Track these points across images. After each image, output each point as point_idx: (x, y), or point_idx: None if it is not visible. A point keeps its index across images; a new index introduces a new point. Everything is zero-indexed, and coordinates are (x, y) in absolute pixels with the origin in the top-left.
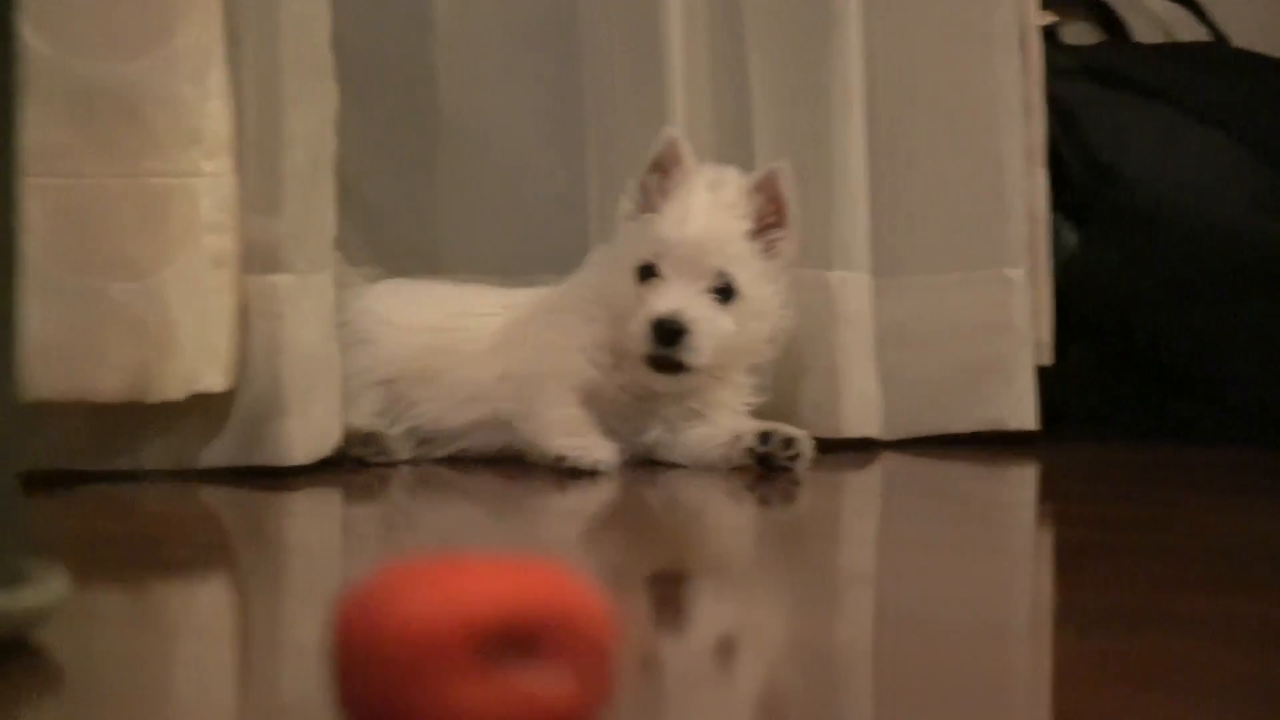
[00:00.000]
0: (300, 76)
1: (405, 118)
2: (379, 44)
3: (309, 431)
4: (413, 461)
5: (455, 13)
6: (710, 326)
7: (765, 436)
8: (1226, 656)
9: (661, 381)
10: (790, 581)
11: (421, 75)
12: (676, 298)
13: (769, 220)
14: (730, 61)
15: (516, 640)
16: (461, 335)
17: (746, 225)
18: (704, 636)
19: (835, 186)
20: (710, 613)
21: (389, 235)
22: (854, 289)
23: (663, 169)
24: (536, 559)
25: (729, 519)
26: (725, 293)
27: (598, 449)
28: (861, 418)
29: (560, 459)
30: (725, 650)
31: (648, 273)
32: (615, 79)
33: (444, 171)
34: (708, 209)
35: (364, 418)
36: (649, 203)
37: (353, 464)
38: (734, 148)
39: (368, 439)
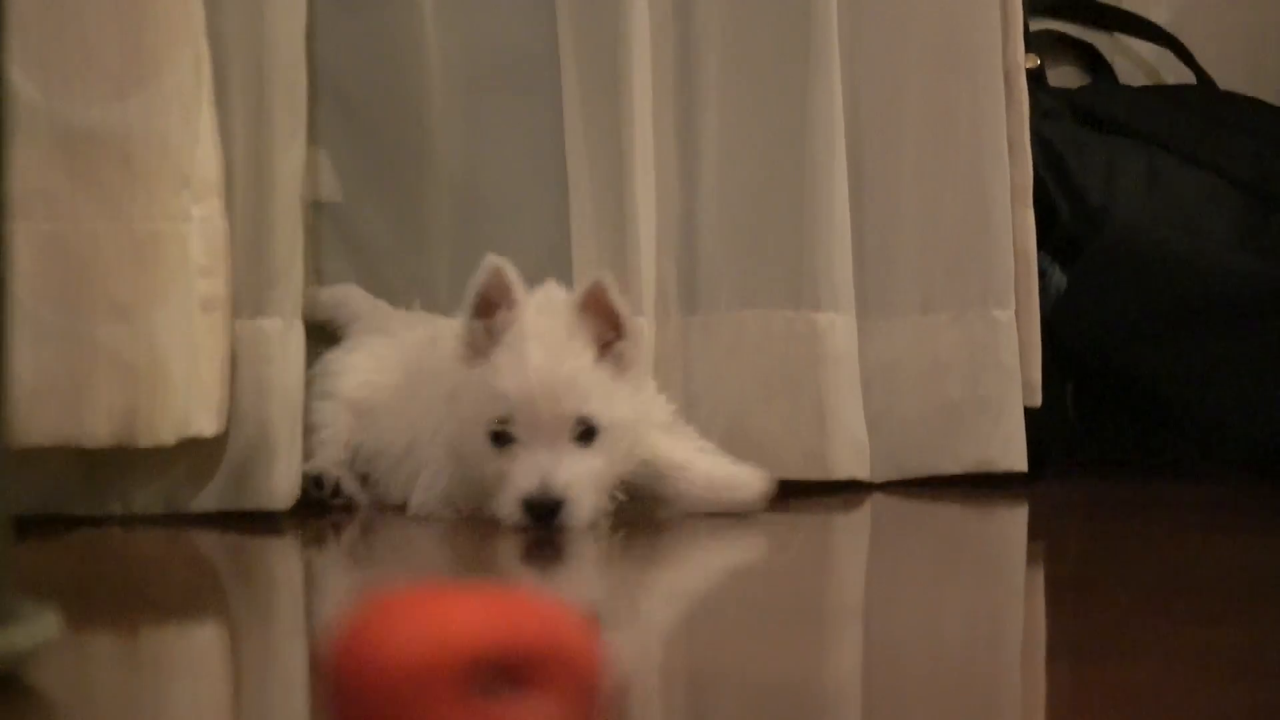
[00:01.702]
0: (287, 119)
1: (397, 159)
2: (370, 87)
3: (294, 475)
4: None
5: (448, 56)
6: (584, 486)
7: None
8: (1216, 687)
9: (544, 535)
10: (772, 621)
11: (412, 118)
12: (541, 468)
13: (608, 336)
14: (699, 106)
15: (505, 671)
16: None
17: (589, 352)
18: (694, 671)
19: (819, 228)
20: (700, 648)
21: (382, 274)
22: (840, 330)
23: (489, 308)
24: (525, 591)
25: (716, 558)
26: (587, 434)
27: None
28: (851, 460)
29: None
30: (715, 686)
31: (500, 438)
32: (584, 123)
33: (434, 212)
34: (545, 351)
35: (324, 462)
36: (479, 349)
37: (313, 508)
38: (707, 195)
39: (322, 482)
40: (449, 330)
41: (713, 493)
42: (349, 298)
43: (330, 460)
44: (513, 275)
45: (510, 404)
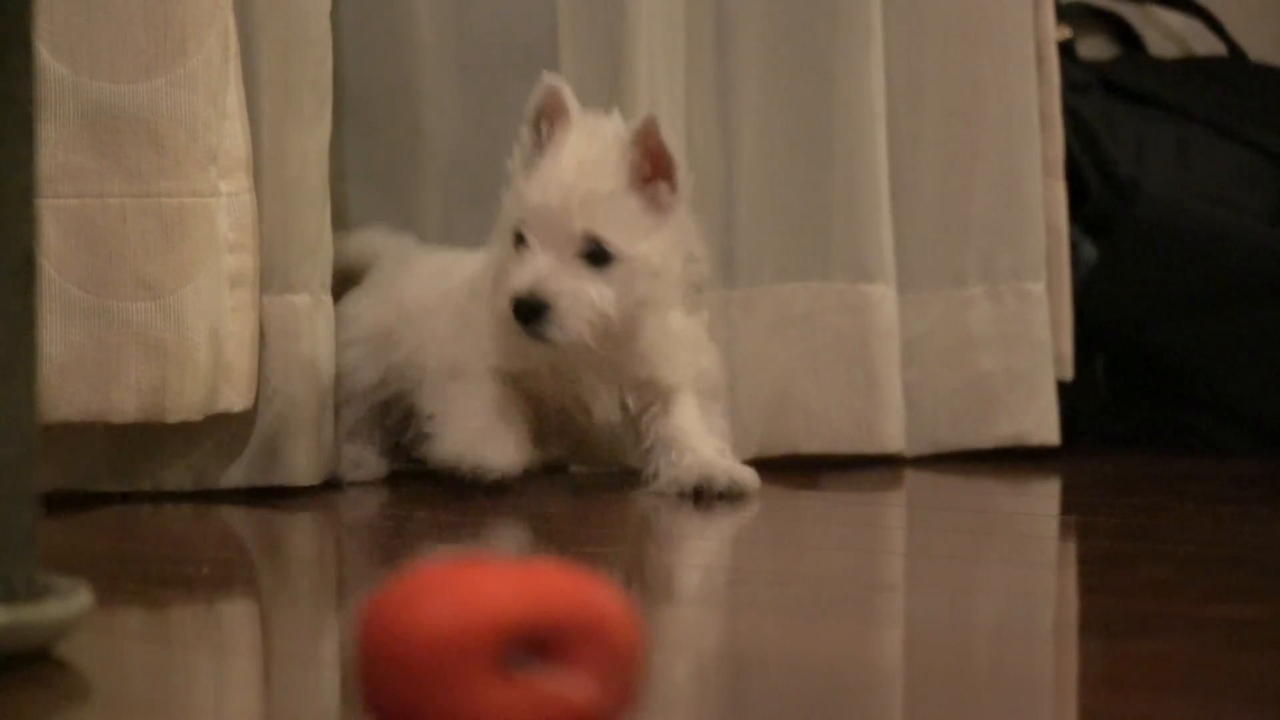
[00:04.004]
0: (312, 96)
1: (390, 141)
2: (365, 70)
3: (323, 451)
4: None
5: (442, 39)
6: (578, 298)
7: (698, 491)
8: (1248, 661)
9: (540, 351)
10: (810, 598)
11: (408, 101)
12: (536, 269)
13: (650, 173)
14: (737, 78)
15: (540, 645)
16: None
17: (620, 180)
18: (731, 648)
19: (864, 200)
20: (738, 625)
21: None
22: (890, 302)
23: (545, 121)
24: (557, 564)
25: (752, 534)
26: (599, 257)
27: (500, 456)
28: (890, 429)
29: (456, 469)
30: (752, 663)
31: (520, 240)
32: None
33: (427, 195)
34: (574, 167)
35: (340, 435)
36: (528, 161)
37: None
38: (747, 169)
39: (346, 456)
40: (471, 260)
41: (701, 473)
42: (373, 240)
43: (356, 423)
44: (568, 94)
45: (530, 209)
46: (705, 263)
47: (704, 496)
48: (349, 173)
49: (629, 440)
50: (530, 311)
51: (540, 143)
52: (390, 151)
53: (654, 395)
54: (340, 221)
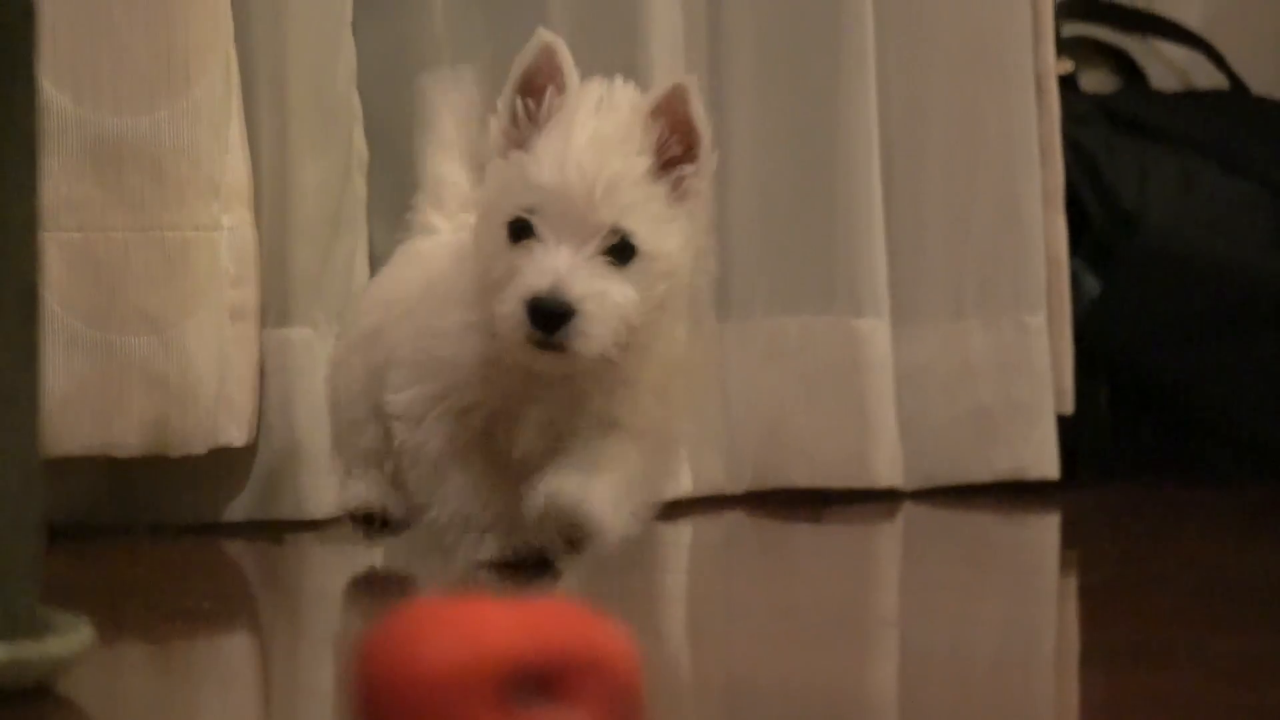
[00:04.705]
0: (312, 127)
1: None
2: (387, 103)
3: (324, 486)
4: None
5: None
6: (604, 303)
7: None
8: (1255, 695)
9: (546, 361)
10: (808, 629)
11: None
12: (557, 267)
13: (675, 152)
14: (729, 108)
15: (540, 681)
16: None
17: (645, 162)
18: (731, 679)
19: (857, 233)
20: (737, 656)
21: None
22: (881, 336)
23: (537, 89)
24: (559, 600)
25: (752, 566)
26: (622, 252)
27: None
28: (889, 465)
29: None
30: (751, 694)
31: (521, 231)
32: None
33: None
34: (593, 144)
35: (363, 488)
36: (519, 135)
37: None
38: (739, 201)
39: (369, 517)
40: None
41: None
42: None
43: (370, 482)
44: (566, 56)
45: (541, 194)
46: (713, 258)
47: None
48: (373, 207)
49: None
50: (552, 317)
51: (534, 115)
52: (408, 180)
53: (598, 431)
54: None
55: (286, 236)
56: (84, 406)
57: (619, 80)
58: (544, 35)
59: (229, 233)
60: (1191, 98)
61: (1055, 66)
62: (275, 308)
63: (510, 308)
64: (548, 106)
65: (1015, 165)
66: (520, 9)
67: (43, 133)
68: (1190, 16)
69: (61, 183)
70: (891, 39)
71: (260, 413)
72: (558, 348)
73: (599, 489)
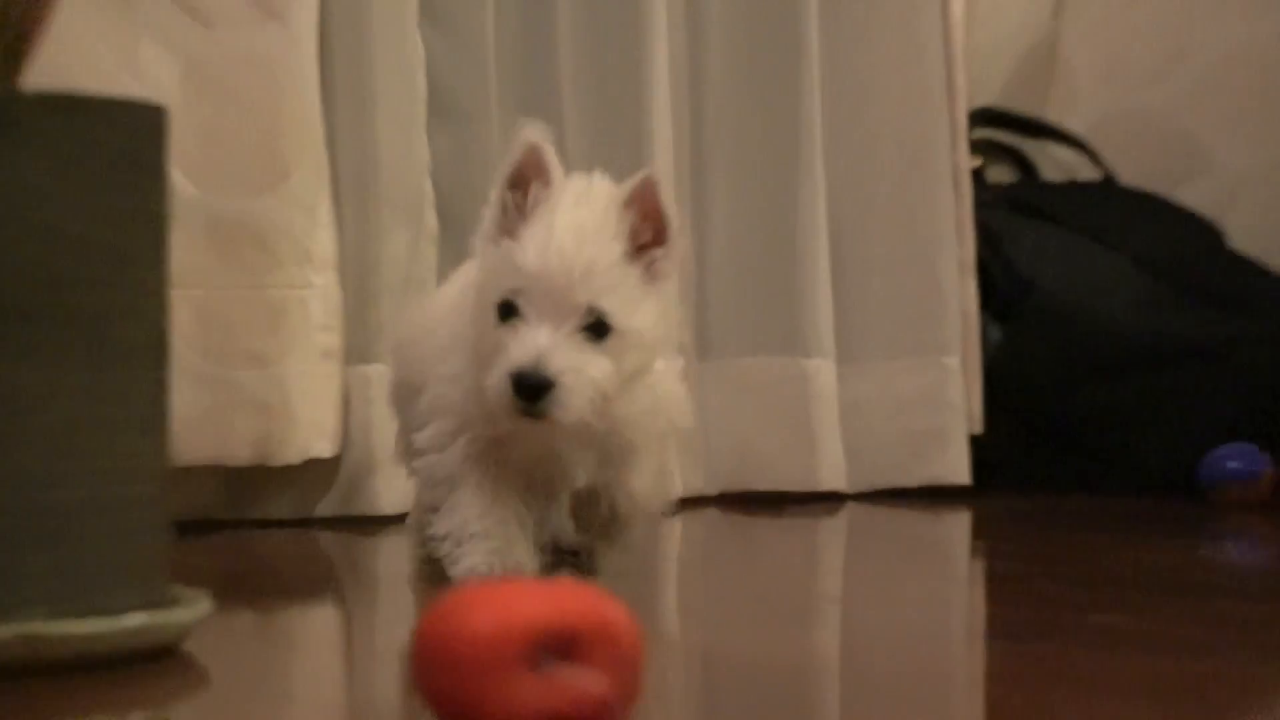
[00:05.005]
0: (392, 208)
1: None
2: (454, 182)
3: (396, 490)
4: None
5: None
6: (580, 375)
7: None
8: (1122, 661)
9: (529, 428)
10: (766, 608)
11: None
12: (539, 344)
13: (646, 238)
14: (710, 195)
15: (560, 647)
16: None
17: (619, 248)
18: (705, 649)
19: (807, 291)
20: (716, 624)
21: None
22: (825, 373)
23: (524, 182)
24: (576, 583)
25: (723, 555)
26: (598, 329)
27: (511, 553)
28: (832, 475)
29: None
30: (721, 661)
31: (508, 311)
32: None
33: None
34: (572, 232)
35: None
36: (509, 224)
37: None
38: (716, 265)
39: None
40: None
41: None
42: None
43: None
44: (550, 153)
45: (525, 278)
46: (684, 326)
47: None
48: (441, 272)
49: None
50: (534, 389)
51: (521, 206)
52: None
53: (622, 453)
54: None
55: (368, 293)
56: (205, 427)
57: (597, 175)
58: (529, 136)
59: (319, 290)
60: (1074, 187)
61: (968, 163)
62: (358, 349)
63: (496, 380)
64: (534, 199)
65: (936, 240)
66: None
67: (172, 213)
68: (1073, 123)
69: (187, 252)
70: (840, 141)
71: (344, 431)
72: (539, 415)
73: (636, 483)
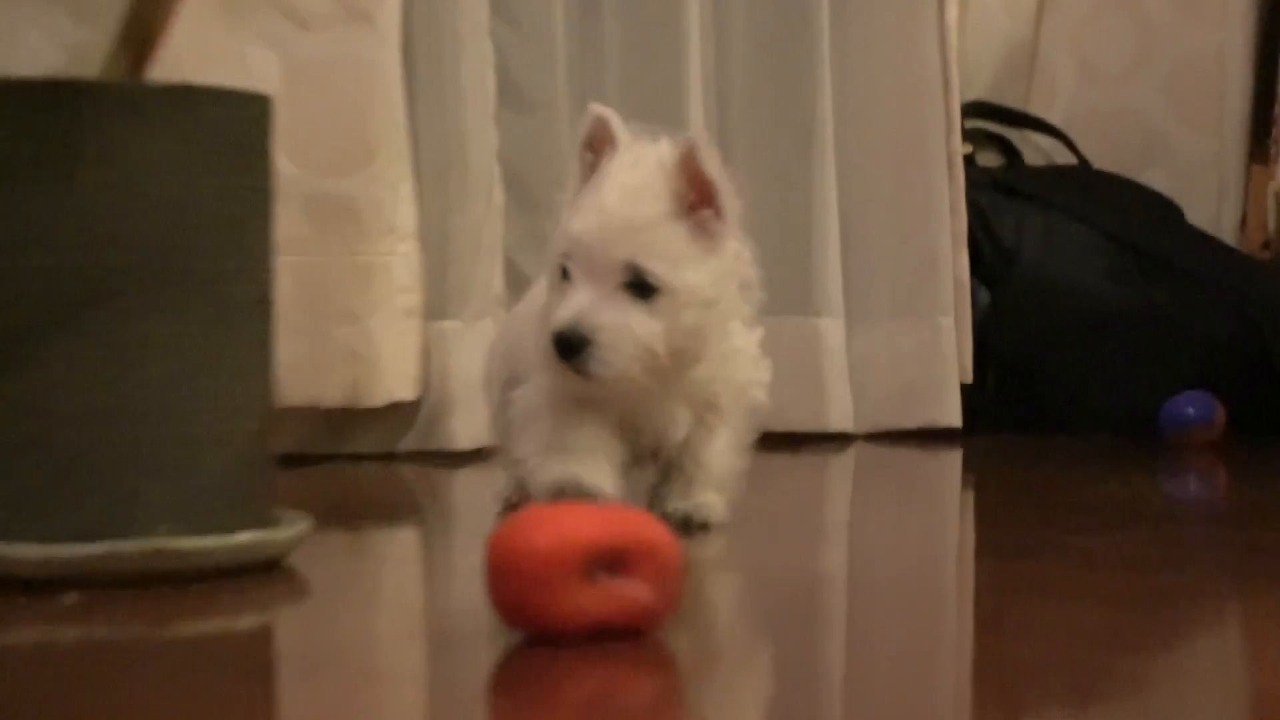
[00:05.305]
0: (465, 185)
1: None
2: (525, 159)
3: (470, 428)
4: None
5: (521, 78)
6: (620, 333)
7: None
8: (1093, 576)
9: (575, 383)
10: (784, 530)
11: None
12: (580, 304)
13: (694, 199)
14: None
15: (610, 562)
16: None
17: (662, 207)
18: (734, 563)
19: (821, 258)
20: (747, 542)
21: None
22: (834, 331)
23: (597, 149)
24: (624, 506)
25: (752, 482)
26: (642, 288)
27: (591, 475)
28: (841, 418)
29: (552, 489)
30: (747, 573)
31: (565, 274)
32: None
33: None
34: (618, 194)
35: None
36: (578, 190)
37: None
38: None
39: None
40: None
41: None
42: None
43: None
44: (616, 123)
45: (572, 241)
46: (757, 289)
47: (687, 528)
48: (515, 243)
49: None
50: (571, 347)
51: (587, 173)
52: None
53: (709, 415)
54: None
55: (444, 259)
56: (303, 373)
57: (657, 143)
58: (596, 108)
59: (401, 257)
60: (1052, 171)
61: (960, 149)
62: (436, 307)
63: (545, 339)
64: (598, 166)
65: (933, 216)
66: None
67: (275, 189)
68: (1052, 115)
69: (288, 223)
70: (849, 131)
71: (423, 377)
72: (581, 372)
73: (713, 501)
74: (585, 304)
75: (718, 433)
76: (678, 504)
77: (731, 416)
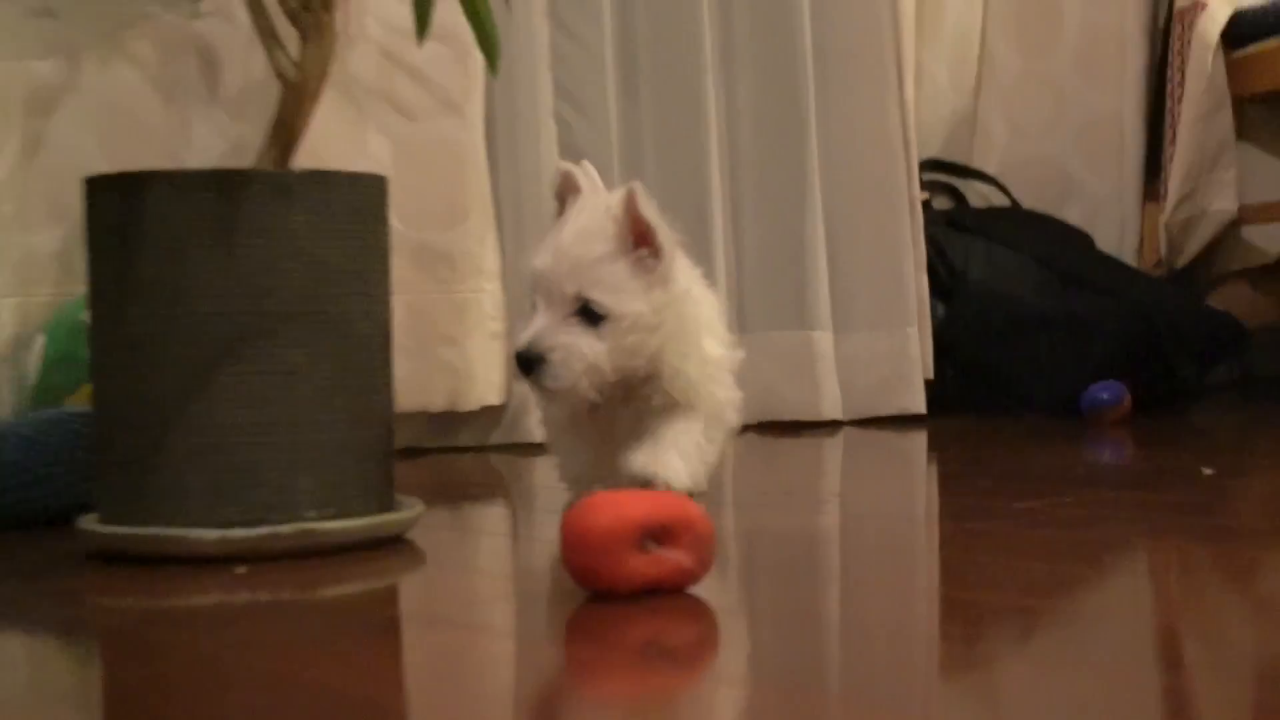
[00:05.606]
0: (535, 239)
1: None
2: None
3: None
4: None
5: (581, 148)
6: (570, 352)
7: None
8: (1036, 534)
9: (537, 394)
10: (788, 499)
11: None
12: (533, 327)
13: (634, 240)
14: (743, 214)
15: (657, 534)
16: None
17: (606, 247)
18: (747, 528)
19: (811, 283)
20: (754, 512)
21: None
22: (824, 341)
23: (561, 197)
24: (667, 492)
25: (756, 463)
26: (590, 315)
27: (586, 472)
28: (831, 408)
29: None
30: (757, 535)
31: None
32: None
33: None
34: (569, 236)
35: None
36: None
37: None
38: (749, 261)
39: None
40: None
41: (644, 469)
42: None
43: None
44: (579, 175)
45: (533, 275)
46: (718, 316)
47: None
48: None
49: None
50: (528, 363)
51: (556, 218)
52: None
53: (686, 407)
54: None
55: (520, 295)
56: (414, 385)
57: (611, 192)
58: (563, 165)
59: (489, 293)
60: (990, 211)
61: (918, 195)
62: (515, 331)
63: (511, 359)
64: (564, 210)
65: (899, 247)
66: (634, 168)
67: (390, 243)
68: (989, 166)
69: (401, 270)
70: (832, 180)
71: (507, 386)
72: (538, 385)
73: (663, 457)
74: (541, 328)
75: (690, 415)
76: (637, 461)
77: (705, 414)
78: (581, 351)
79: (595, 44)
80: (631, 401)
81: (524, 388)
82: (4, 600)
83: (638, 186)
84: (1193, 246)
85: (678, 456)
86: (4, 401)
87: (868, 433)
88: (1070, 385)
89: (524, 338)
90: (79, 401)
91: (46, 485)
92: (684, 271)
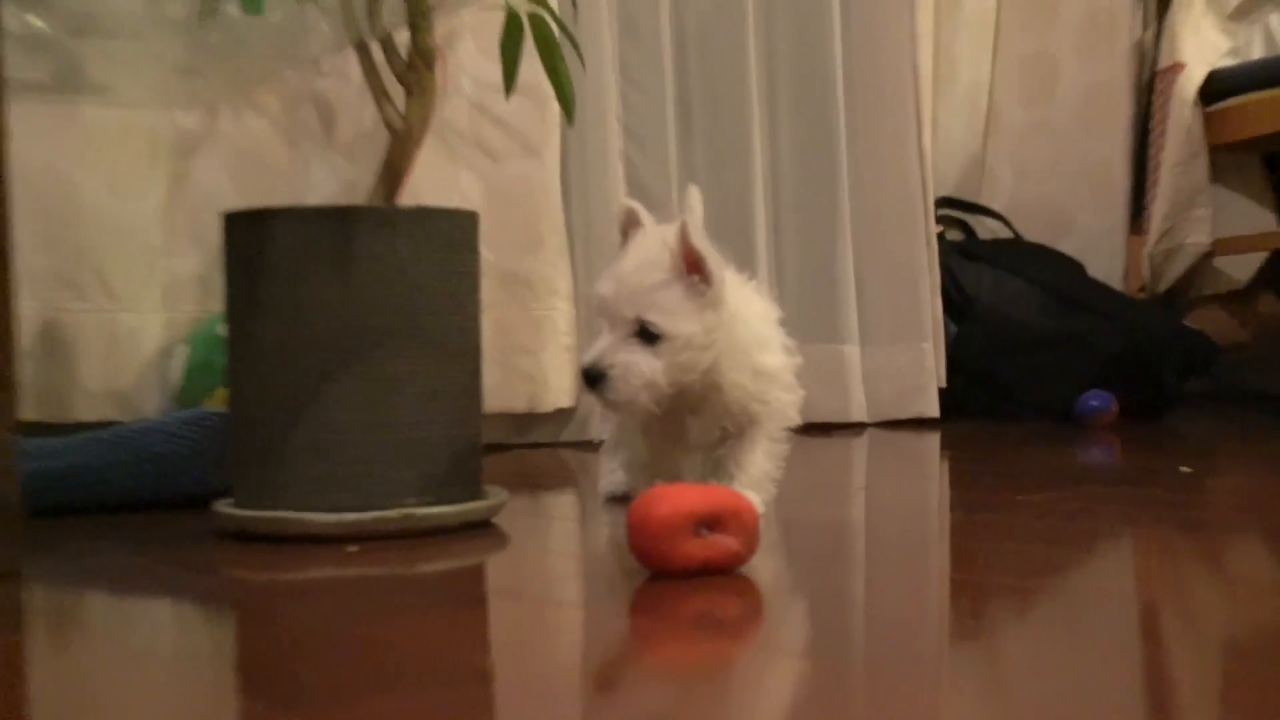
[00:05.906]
0: (603, 264)
1: None
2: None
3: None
4: None
5: (646, 183)
6: (629, 369)
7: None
8: (1040, 524)
9: (605, 409)
10: (821, 492)
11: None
12: (597, 347)
13: (686, 268)
14: (783, 242)
15: (710, 522)
16: None
17: (661, 275)
18: (784, 518)
19: (841, 303)
20: (791, 502)
21: None
22: (853, 354)
23: (624, 231)
24: (718, 486)
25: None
26: (648, 336)
27: (613, 483)
28: (858, 412)
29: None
30: (794, 523)
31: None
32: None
33: None
34: (629, 265)
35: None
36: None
37: None
38: (789, 283)
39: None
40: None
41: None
42: None
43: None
44: (641, 211)
45: (598, 300)
46: (771, 328)
47: None
48: None
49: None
50: (592, 379)
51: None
52: None
53: (742, 423)
54: None
55: (589, 313)
56: (499, 390)
57: (669, 224)
58: (626, 202)
59: (562, 312)
60: (997, 243)
61: (934, 228)
62: (584, 347)
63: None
64: (627, 242)
65: (917, 273)
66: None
67: (480, 268)
68: (997, 204)
69: (488, 292)
70: (860, 215)
71: (577, 392)
72: (600, 398)
73: (750, 497)
74: (604, 347)
75: (757, 442)
76: None
77: (768, 430)
78: (640, 369)
79: (657, 93)
80: (700, 413)
81: (585, 394)
82: (151, 572)
83: (691, 221)
84: (1172, 274)
85: (752, 488)
86: (152, 402)
87: (889, 434)
88: (1066, 394)
89: (588, 356)
90: (215, 403)
91: (187, 474)
92: (738, 288)
